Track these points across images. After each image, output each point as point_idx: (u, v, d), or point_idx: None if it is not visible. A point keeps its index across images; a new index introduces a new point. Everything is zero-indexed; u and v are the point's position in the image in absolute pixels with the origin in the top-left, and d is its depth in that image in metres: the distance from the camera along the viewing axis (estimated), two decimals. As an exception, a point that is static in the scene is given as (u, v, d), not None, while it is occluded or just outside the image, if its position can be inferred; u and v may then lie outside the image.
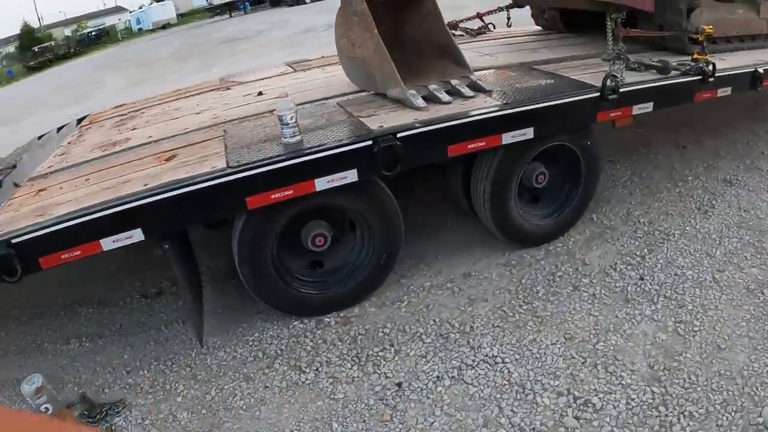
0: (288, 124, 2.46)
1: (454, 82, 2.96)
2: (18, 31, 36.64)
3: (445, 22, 3.18)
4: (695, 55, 3.37)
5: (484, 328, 2.68)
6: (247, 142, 2.64)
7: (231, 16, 32.22)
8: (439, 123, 2.58)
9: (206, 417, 2.43)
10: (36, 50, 30.89)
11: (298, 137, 2.51)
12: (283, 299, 2.82)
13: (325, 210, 2.78)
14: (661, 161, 4.16)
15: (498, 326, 2.69)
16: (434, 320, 2.79)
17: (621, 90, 2.98)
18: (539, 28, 5.10)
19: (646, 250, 3.15)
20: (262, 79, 4.21)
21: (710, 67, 3.20)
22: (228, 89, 4.05)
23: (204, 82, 4.69)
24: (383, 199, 2.72)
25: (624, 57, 3.16)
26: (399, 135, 2.48)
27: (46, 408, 1.86)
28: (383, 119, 2.68)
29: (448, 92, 2.91)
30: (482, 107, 2.76)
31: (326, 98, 3.27)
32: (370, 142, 2.45)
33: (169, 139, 2.98)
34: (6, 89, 22.22)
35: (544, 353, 2.49)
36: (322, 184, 2.44)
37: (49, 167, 3.04)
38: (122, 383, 2.68)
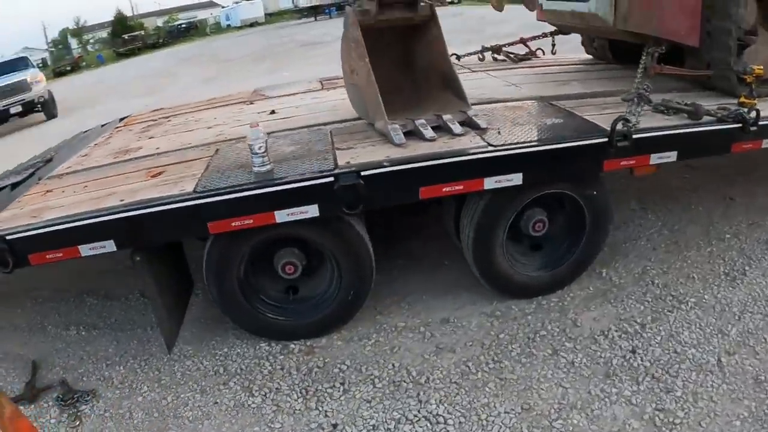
0: (257, 153, 2.48)
1: (446, 117, 2.81)
2: (111, 18, 40.09)
3: (448, 49, 3.02)
4: (742, 98, 2.96)
5: (440, 383, 2.54)
6: (224, 167, 2.69)
7: (316, 20, 33.03)
8: (409, 163, 2.47)
9: (156, 421, 2.54)
10: (126, 38, 33.69)
11: (268, 166, 2.53)
12: (248, 321, 2.85)
13: (302, 239, 2.76)
14: (699, 214, 3.69)
15: (455, 382, 2.53)
16: (393, 365, 2.68)
17: (635, 136, 2.67)
18: (590, 57, 4.74)
19: (649, 318, 2.81)
20: (287, 95, 4.29)
21: (753, 114, 2.77)
22: (251, 103, 4.18)
23: (238, 92, 4.89)
24: (350, 236, 2.64)
25: (646, 98, 2.83)
26: (363, 173, 2.41)
27: None
28: (357, 153, 2.61)
29: (436, 128, 2.77)
30: (465, 147, 2.60)
31: (325, 123, 3.25)
32: (331, 179, 2.40)
33: (169, 154, 3.14)
34: (93, 72, 24.62)
35: (493, 421, 2.30)
36: (282, 216, 2.43)
37: (67, 168, 3.32)
38: (99, 375, 2.88)
